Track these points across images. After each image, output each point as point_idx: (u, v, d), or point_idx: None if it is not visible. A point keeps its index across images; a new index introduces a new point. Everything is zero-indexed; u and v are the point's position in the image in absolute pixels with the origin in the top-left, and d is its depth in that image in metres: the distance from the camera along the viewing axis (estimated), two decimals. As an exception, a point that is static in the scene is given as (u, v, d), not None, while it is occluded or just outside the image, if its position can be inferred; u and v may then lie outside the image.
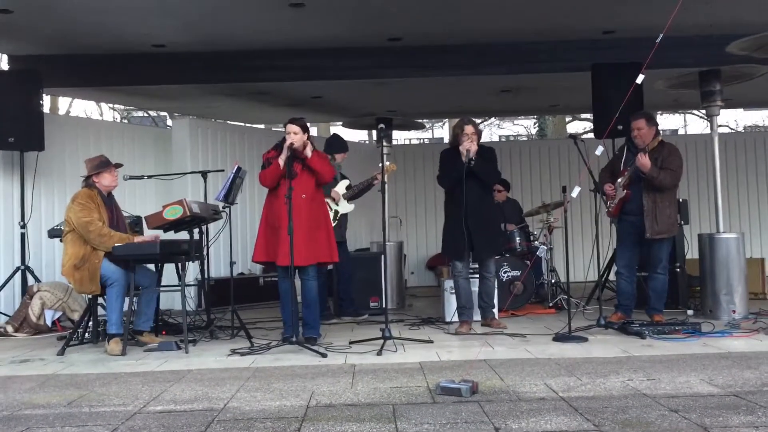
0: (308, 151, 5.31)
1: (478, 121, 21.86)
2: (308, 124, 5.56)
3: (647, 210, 5.79)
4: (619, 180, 5.91)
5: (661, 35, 3.95)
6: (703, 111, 6.54)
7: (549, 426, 3.00)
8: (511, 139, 28.29)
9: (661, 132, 6.05)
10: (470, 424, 3.06)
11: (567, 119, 21.90)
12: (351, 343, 5.33)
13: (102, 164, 5.58)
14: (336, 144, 7.22)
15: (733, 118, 25.97)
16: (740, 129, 25.26)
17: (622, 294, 6.12)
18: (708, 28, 7.34)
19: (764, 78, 7.10)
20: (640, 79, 4.44)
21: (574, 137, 5.81)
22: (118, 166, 5.73)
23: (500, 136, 30.33)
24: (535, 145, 12.92)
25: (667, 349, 4.74)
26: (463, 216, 5.72)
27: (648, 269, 6.04)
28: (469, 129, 5.79)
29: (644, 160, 5.67)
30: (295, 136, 5.29)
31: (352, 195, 7.05)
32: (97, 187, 5.55)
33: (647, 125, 5.89)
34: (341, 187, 6.98)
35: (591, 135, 11.57)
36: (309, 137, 5.41)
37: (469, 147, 5.69)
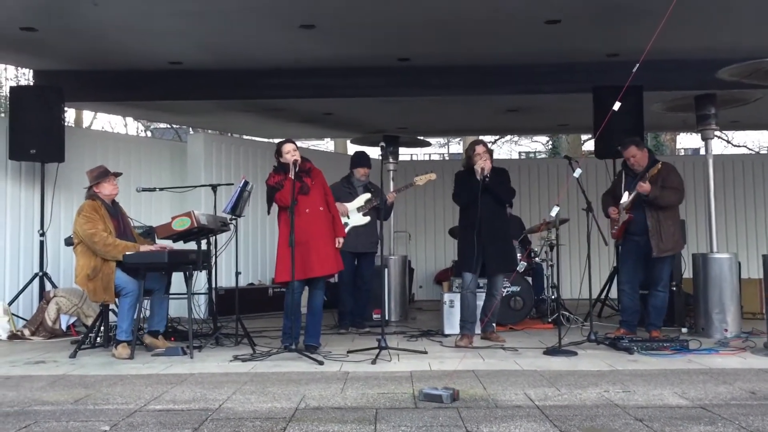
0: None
1: (489, 138, 21.95)
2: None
3: (652, 230, 6.00)
4: (622, 203, 6.13)
5: (637, 65, 4.15)
6: (699, 134, 6.67)
7: (518, 431, 3.19)
8: (531, 156, 28.44)
9: (655, 154, 6.23)
10: (445, 428, 3.26)
11: (583, 138, 21.90)
12: (349, 352, 5.54)
13: (101, 174, 5.83)
14: (356, 160, 7.49)
15: (755, 139, 25.79)
16: (763, 151, 25.09)
17: (625, 310, 6.30)
18: (707, 51, 7.49)
19: (765, 101, 7.23)
20: (616, 106, 4.64)
21: (569, 158, 6.03)
22: (117, 175, 5.97)
23: (519, 153, 30.50)
24: (534, 164, 13.08)
25: (651, 365, 4.89)
26: (477, 231, 5.94)
27: (650, 287, 6.21)
28: (480, 149, 6.09)
29: (645, 186, 5.89)
30: (296, 152, 5.61)
31: (368, 210, 7.26)
32: (100, 197, 5.80)
33: (638, 150, 6.13)
34: (360, 200, 7.24)
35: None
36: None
37: (483, 165, 5.97)
